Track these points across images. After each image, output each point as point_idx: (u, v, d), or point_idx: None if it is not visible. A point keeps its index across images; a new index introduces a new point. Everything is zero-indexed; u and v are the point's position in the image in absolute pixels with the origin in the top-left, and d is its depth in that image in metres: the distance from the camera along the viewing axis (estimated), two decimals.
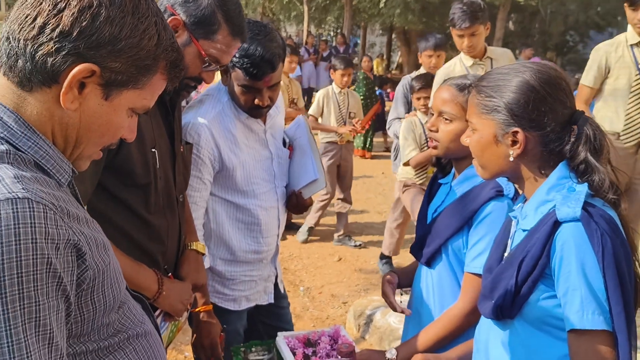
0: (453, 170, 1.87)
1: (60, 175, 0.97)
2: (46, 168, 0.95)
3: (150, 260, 1.71)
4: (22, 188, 0.85)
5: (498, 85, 1.28)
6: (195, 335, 2.01)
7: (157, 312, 1.71)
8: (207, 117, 2.03)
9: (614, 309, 1.12)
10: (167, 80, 1.05)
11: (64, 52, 0.90)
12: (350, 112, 5.77)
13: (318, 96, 5.76)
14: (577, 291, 1.14)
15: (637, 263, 1.21)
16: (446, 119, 1.73)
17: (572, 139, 1.24)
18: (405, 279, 2.03)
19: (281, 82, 2.10)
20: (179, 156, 1.82)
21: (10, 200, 0.82)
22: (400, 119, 4.60)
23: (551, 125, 1.23)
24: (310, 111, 5.72)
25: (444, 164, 1.91)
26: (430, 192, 1.95)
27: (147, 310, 1.19)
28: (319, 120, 5.70)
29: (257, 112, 2.08)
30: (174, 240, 1.81)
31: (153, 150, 1.66)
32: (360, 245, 5.81)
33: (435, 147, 1.79)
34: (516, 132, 1.25)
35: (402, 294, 2.17)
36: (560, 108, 1.24)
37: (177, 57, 1.04)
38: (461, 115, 1.70)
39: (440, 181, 1.92)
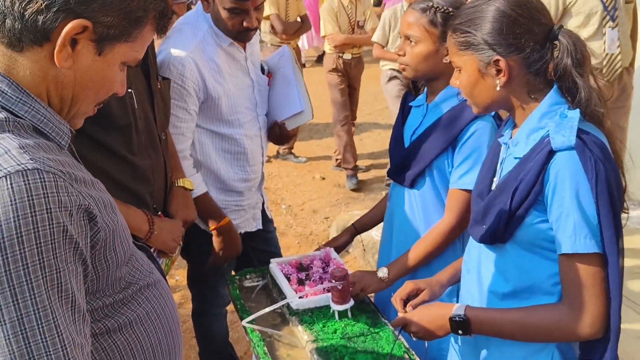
0: (425, 91, 1.88)
1: (60, 138, 0.97)
2: (45, 132, 0.94)
3: (138, 201, 1.70)
4: (30, 159, 0.85)
5: (470, 20, 1.28)
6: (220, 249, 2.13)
7: (152, 250, 1.74)
8: (189, 46, 1.96)
9: (605, 232, 1.16)
10: (155, 30, 1.03)
11: (54, 9, 0.88)
12: None
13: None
14: (570, 217, 1.18)
15: (623, 178, 1.25)
16: (412, 42, 1.74)
17: (554, 55, 1.24)
18: (367, 226, 2.19)
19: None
20: (156, 93, 1.77)
21: (21, 173, 0.82)
22: None
23: (530, 46, 1.23)
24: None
25: (419, 86, 1.93)
26: (402, 115, 1.96)
27: (152, 258, 1.22)
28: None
29: (246, 35, 2.04)
30: (160, 179, 1.79)
31: (129, 90, 1.60)
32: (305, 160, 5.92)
33: (404, 70, 1.80)
34: (497, 60, 1.25)
35: (364, 249, 2.32)
36: (536, 26, 1.23)
37: (165, 6, 1.02)
38: (425, 37, 1.71)
39: (411, 104, 1.93)
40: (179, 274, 3.73)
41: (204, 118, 2.08)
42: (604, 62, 3.09)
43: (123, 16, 0.94)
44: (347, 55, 5.12)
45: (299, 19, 5.58)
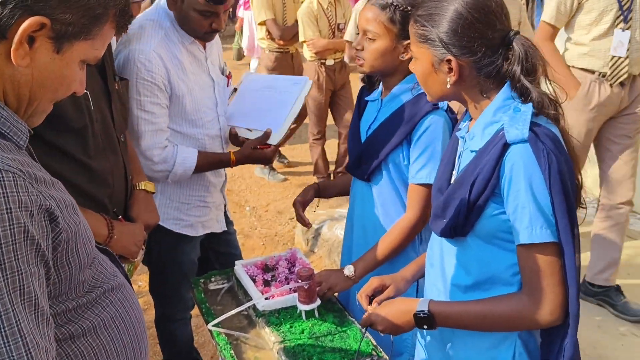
0: (380, 86, 1.90)
1: (18, 137, 0.94)
2: (3, 131, 0.91)
3: (97, 205, 1.66)
4: None
5: (430, 14, 1.30)
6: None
7: None
8: (152, 42, 1.93)
9: (560, 222, 1.20)
10: (116, 27, 1.01)
11: (10, 5, 0.85)
12: None
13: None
14: (526, 208, 1.21)
15: (579, 175, 1.29)
16: (370, 38, 1.75)
17: (505, 62, 1.26)
18: (328, 191, 2.16)
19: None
20: (114, 94, 1.72)
21: None
22: None
23: (482, 51, 1.26)
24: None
25: (374, 80, 1.94)
26: (359, 109, 1.98)
27: (115, 261, 1.19)
28: None
29: (210, 36, 2.05)
30: (120, 182, 1.75)
31: (85, 91, 1.56)
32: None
33: (361, 65, 1.81)
34: (449, 60, 1.27)
35: (315, 210, 2.32)
36: (490, 32, 1.26)
37: (126, 3, 1.00)
38: (384, 33, 1.73)
39: (367, 98, 1.95)
40: (141, 280, 3.66)
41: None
42: (609, 64, 2.86)
43: (82, 13, 0.92)
44: (330, 61, 4.78)
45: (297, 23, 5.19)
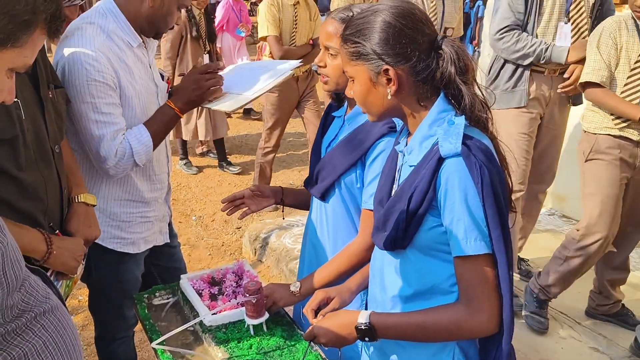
0: (346, 103, 1.87)
1: None
2: None
3: (30, 221, 1.56)
4: None
5: (359, 31, 1.31)
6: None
7: (49, 272, 1.60)
8: (95, 43, 1.83)
9: (493, 233, 1.23)
10: (47, 34, 0.95)
11: None
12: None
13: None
14: (460, 221, 1.24)
15: (509, 180, 1.34)
16: (332, 54, 1.71)
17: (439, 63, 1.29)
18: (290, 198, 2.08)
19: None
20: (47, 103, 1.63)
21: None
22: None
23: (416, 55, 1.28)
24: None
25: (342, 97, 1.89)
26: (324, 125, 1.94)
27: (47, 282, 1.12)
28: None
29: (163, 33, 2.05)
30: (54, 195, 1.65)
31: (15, 100, 1.47)
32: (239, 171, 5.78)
33: (326, 83, 1.77)
34: (387, 69, 1.29)
35: (284, 217, 2.27)
36: (420, 36, 1.29)
37: (57, 8, 0.95)
38: None
39: (333, 114, 1.91)
40: (82, 294, 3.50)
41: None
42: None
43: (8, 20, 0.86)
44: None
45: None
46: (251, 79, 2.10)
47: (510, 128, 3.18)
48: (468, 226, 1.23)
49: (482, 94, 1.33)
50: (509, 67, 3.17)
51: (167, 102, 2.00)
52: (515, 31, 3.08)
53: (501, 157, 1.33)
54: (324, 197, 1.83)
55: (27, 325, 0.97)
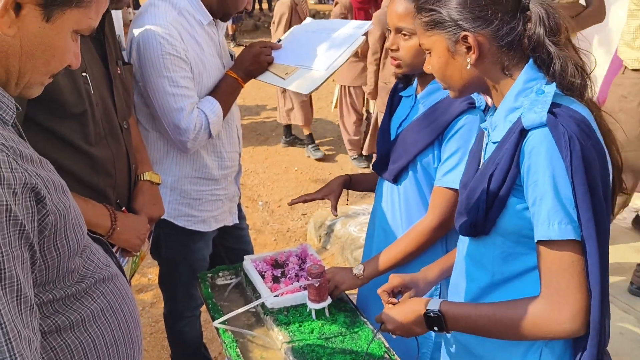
0: (415, 81, 1.78)
1: (3, 112, 0.87)
2: None
3: (99, 196, 1.58)
4: None
5: None
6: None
7: (115, 249, 1.63)
8: (168, 18, 1.84)
9: (582, 216, 1.06)
10: None
11: None
12: None
13: None
14: (544, 200, 1.07)
15: (618, 157, 1.17)
16: (405, 35, 1.63)
17: (526, 26, 1.15)
18: (359, 184, 2.04)
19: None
20: (116, 79, 1.65)
21: None
22: None
23: (498, 17, 1.15)
24: None
25: (410, 75, 1.79)
26: (391, 105, 1.86)
27: (109, 251, 1.13)
28: None
29: (231, 15, 2.04)
30: (122, 171, 1.67)
31: (84, 74, 1.48)
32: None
33: (398, 66, 1.68)
34: (465, 36, 1.17)
35: (347, 202, 2.26)
36: None
37: None
38: None
39: (401, 93, 1.82)
40: (151, 272, 3.61)
41: None
42: None
43: None
44: None
45: None
46: (320, 47, 2.01)
47: None
48: (552, 207, 1.06)
49: (579, 57, 1.16)
50: None
51: (228, 71, 2.00)
52: None
53: (605, 129, 1.15)
54: (396, 179, 1.75)
55: (87, 291, 0.97)
